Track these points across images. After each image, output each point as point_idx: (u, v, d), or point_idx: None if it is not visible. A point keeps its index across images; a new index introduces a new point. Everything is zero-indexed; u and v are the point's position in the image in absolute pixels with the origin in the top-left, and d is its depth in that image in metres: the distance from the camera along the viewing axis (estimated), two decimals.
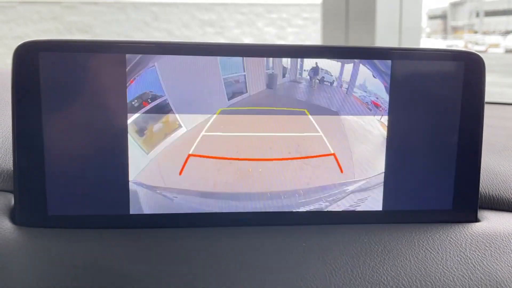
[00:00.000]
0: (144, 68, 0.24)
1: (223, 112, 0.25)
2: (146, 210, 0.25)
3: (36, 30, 4.00)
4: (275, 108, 0.25)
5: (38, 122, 0.24)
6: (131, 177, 0.25)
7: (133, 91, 0.24)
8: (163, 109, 0.25)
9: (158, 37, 4.43)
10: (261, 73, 0.25)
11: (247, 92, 0.25)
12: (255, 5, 5.10)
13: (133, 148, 0.25)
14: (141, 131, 0.25)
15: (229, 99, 0.25)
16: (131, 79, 0.24)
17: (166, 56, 0.24)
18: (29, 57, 0.23)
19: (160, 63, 0.24)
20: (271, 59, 0.25)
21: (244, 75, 0.25)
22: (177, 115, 0.25)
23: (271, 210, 0.26)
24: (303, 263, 0.24)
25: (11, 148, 0.27)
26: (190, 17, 4.65)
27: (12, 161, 0.27)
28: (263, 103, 0.25)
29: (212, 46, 0.24)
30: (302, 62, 0.25)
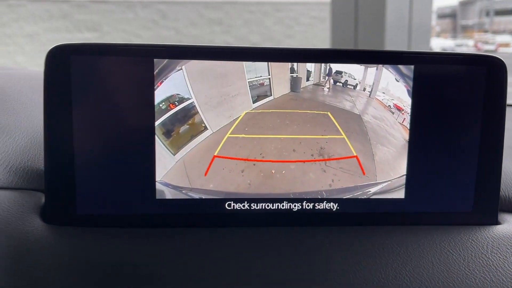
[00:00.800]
0: (172, 71, 0.25)
1: (248, 115, 0.26)
2: (172, 210, 0.26)
3: (46, 28, 4.03)
4: (298, 111, 0.26)
5: (69, 123, 0.25)
6: (158, 177, 0.25)
7: (160, 93, 0.25)
8: (189, 111, 0.25)
9: (166, 36, 4.44)
10: (285, 76, 0.25)
11: (271, 95, 0.26)
12: (263, 3, 5.09)
13: (160, 149, 0.25)
14: (168, 133, 0.25)
15: (253, 102, 0.26)
16: (159, 82, 0.25)
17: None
18: (60, 60, 0.24)
19: (188, 67, 0.25)
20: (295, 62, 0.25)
21: (269, 78, 0.25)
22: (203, 118, 0.25)
23: (293, 211, 0.26)
24: (325, 264, 0.24)
25: (41, 149, 0.28)
26: (198, 16, 4.65)
27: (42, 161, 0.27)
28: (287, 106, 0.26)
29: (239, 50, 0.25)
30: (326, 65, 0.25)
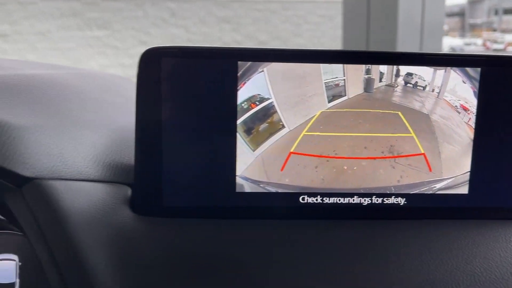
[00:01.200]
0: (254, 73, 0.26)
1: (323, 114, 0.27)
2: (250, 203, 0.28)
3: (57, 26, 4.07)
4: (371, 110, 0.27)
5: (158, 121, 0.26)
6: (238, 172, 0.27)
7: (243, 94, 0.27)
8: (269, 110, 0.27)
9: (176, 33, 4.46)
10: (359, 77, 0.27)
11: (345, 95, 0.27)
12: (271, 2, 5.08)
13: (241, 145, 0.27)
14: (248, 131, 0.27)
15: (329, 102, 0.27)
16: (242, 83, 0.26)
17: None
18: (152, 62, 0.26)
19: (269, 68, 0.26)
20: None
21: (344, 79, 0.27)
22: (281, 116, 0.27)
23: (363, 205, 0.28)
24: (399, 255, 0.26)
25: (122, 144, 0.29)
26: (206, 14, 4.67)
27: (125, 156, 0.29)
28: (360, 106, 0.27)
29: (318, 53, 0.26)
30: (397, 67, 0.27)
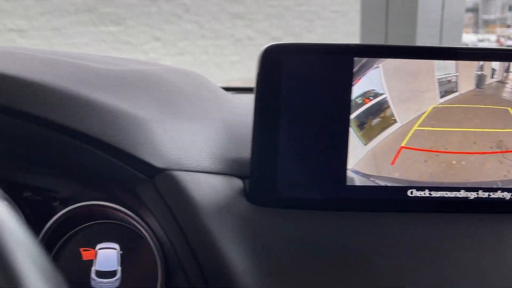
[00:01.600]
0: (370, 69, 0.27)
1: (434, 109, 0.28)
2: (360, 196, 0.28)
3: (72, 21, 4.09)
4: (481, 106, 0.28)
5: (276, 116, 0.27)
6: (350, 165, 0.28)
7: (357, 89, 0.27)
8: (382, 105, 0.27)
9: (189, 29, 4.46)
10: (471, 74, 0.27)
11: (457, 91, 0.28)
12: None
13: (353, 140, 0.28)
14: (361, 125, 0.28)
15: (440, 97, 0.28)
16: (357, 79, 0.27)
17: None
18: (272, 58, 0.26)
19: (384, 64, 0.27)
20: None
21: (457, 75, 0.27)
22: (394, 111, 0.28)
23: (470, 199, 0.28)
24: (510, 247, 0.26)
25: (234, 138, 0.30)
26: (220, 10, 4.66)
27: (233, 150, 0.30)
28: (471, 101, 0.28)
29: (433, 50, 0.27)
30: (509, 64, 0.27)
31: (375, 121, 0.28)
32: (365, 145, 0.28)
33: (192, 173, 0.27)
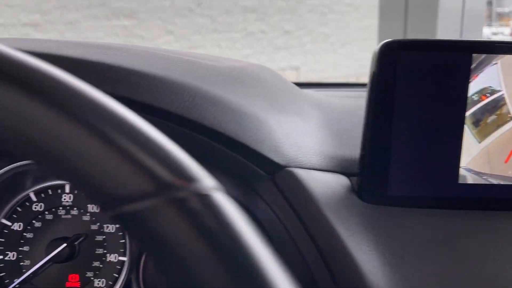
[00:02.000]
0: (488, 65, 0.27)
1: None
2: (472, 194, 0.28)
3: (86, 15, 4.10)
4: None
5: (389, 113, 0.27)
6: (463, 163, 0.28)
7: (475, 86, 0.27)
8: (498, 102, 0.27)
9: (202, 23, 4.45)
10: None
11: None
12: None
13: (468, 137, 0.27)
14: (476, 122, 0.27)
15: None
16: (475, 75, 0.27)
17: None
18: (391, 55, 0.26)
19: (503, 61, 0.26)
20: None
21: None
22: (510, 108, 0.27)
23: None
24: None
25: (340, 137, 0.30)
26: (232, 3, 4.64)
27: (337, 148, 0.30)
28: None
29: None
30: None
31: (491, 118, 0.27)
32: (479, 142, 0.27)
33: (307, 170, 0.26)
